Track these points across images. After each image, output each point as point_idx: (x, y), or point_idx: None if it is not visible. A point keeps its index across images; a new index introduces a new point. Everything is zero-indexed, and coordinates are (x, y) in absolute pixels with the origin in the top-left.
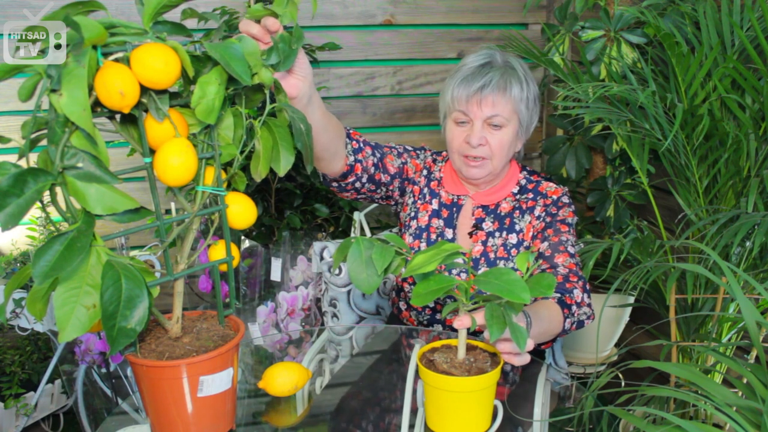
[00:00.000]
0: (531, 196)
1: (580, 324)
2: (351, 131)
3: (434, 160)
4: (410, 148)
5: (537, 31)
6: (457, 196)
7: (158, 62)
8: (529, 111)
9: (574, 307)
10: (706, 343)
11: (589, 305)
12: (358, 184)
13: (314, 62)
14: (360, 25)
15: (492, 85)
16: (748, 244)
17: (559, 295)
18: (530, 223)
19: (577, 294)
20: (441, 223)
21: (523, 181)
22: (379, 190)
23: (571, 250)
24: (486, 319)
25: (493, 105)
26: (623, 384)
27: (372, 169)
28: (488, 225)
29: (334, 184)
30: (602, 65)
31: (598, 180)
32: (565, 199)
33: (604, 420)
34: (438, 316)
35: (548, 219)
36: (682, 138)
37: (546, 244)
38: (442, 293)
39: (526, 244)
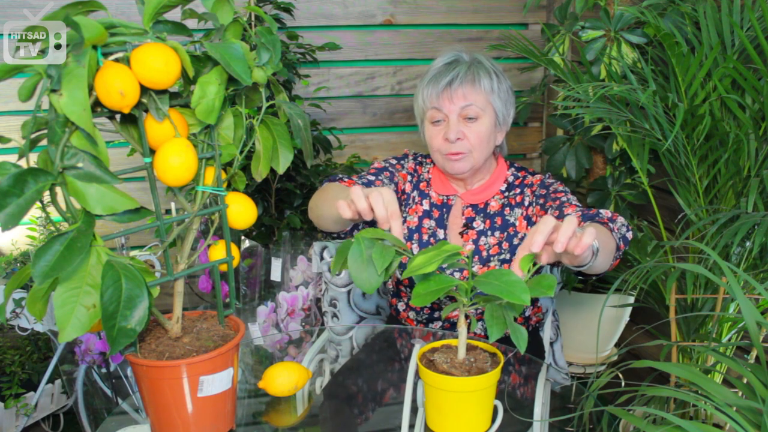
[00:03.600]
0: (518, 191)
1: (626, 240)
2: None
3: (420, 163)
4: (394, 162)
5: (537, 31)
6: (447, 196)
7: (158, 62)
8: (503, 102)
9: (610, 224)
10: (706, 343)
11: (620, 219)
12: (355, 232)
13: (314, 62)
14: (360, 25)
15: (460, 77)
16: (748, 244)
17: (589, 221)
18: (522, 215)
19: (605, 212)
20: (432, 223)
21: (511, 178)
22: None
23: (576, 203)
24: (486, 320)
25: (464, 97)
26: (623, 384)
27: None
28: (479, 224)
29: (334, 234)
30: (602, 65)
31: (598, 180)
32: (550, 179)
33: (604, 420)
34: (436, 315)
35: (541, 200)
36: (682, 138)
37: (550, 210)
38: (442, 293)
39: (521, 235)
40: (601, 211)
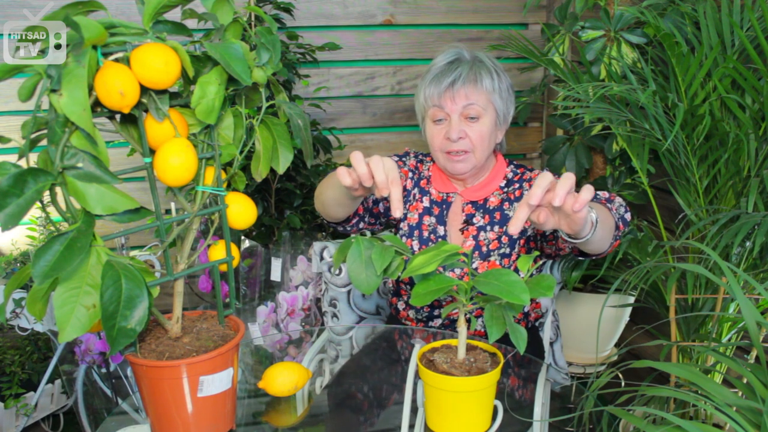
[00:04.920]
0: (517, 186)
1: (625, 221)
2: None
3: (421, 161)
4: (396, 158)
5: (537, 31)
6: (447, 193)
7: (158, 62)
8: (503, 101)
9: (608, 204)
10: (706, 343)
11: (618, 199)
12: (361, 224)
13: (314, 62)
14: (360, 25)
15: (462, 78)
16: (748, 244)
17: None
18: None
19: (602, 193)
20: (433, 220)
21: (510, 175)
22: (378, 222)
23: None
24: (485, 320)
25: (466, 97)
26: (623, 384)
27: (372, 204)
28: (478, 220)
29: (339, 228)
30: (602, 65)
31: (598, 180)
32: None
33: (604, 420)
34: (436, 313)
35: None
36: (682, 138)
37: None
38: (442, 293)
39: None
40: (599, 192)
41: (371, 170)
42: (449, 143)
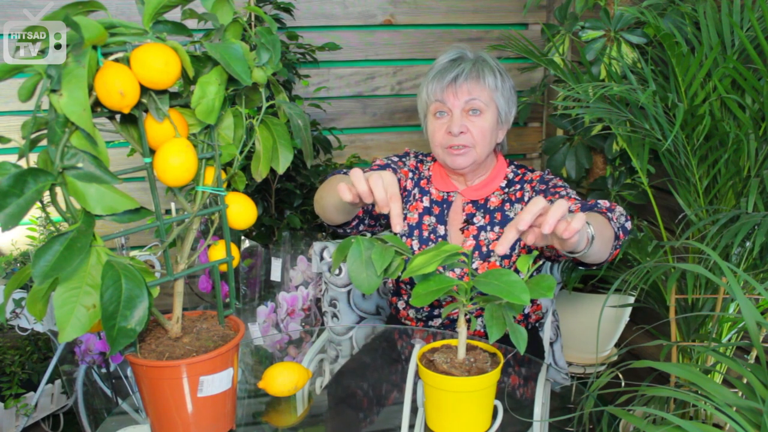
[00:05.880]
0: (518, 187)
1: (625, 230)
2: None
3: (421, 161)
4: (396, 159)
5: (537, 31)
6: (447, 192)
7: (158, 62)
8: (506, 100)
9: (609, 213)
10: (706, 343)
11: (619, 208)
12: (361, 227)
13: (314, 62)
14: (360, 25)
15: (465, 74)
16: (748, 244)
17: (587, 211)
18: (522, 209)
19: (603, 202)
20: (433, 219)
21: (511, 175)
22: (379, 223)
23: (575, 196)
24: (485, 320)
25: (468, 92)
26: (623, 384)
27: (372, 207)
28: (479, 219)
29: (339, 230)
30: (602, 65)
31: (598, 180)
32: (549, 175)
33: (604, 420)
34: (436, 312)
35: (541, 195)
36: (682, 138)
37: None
38: (442, 293)
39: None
40: (600, 201)
41: (371, 188)
42: (450, 138)
